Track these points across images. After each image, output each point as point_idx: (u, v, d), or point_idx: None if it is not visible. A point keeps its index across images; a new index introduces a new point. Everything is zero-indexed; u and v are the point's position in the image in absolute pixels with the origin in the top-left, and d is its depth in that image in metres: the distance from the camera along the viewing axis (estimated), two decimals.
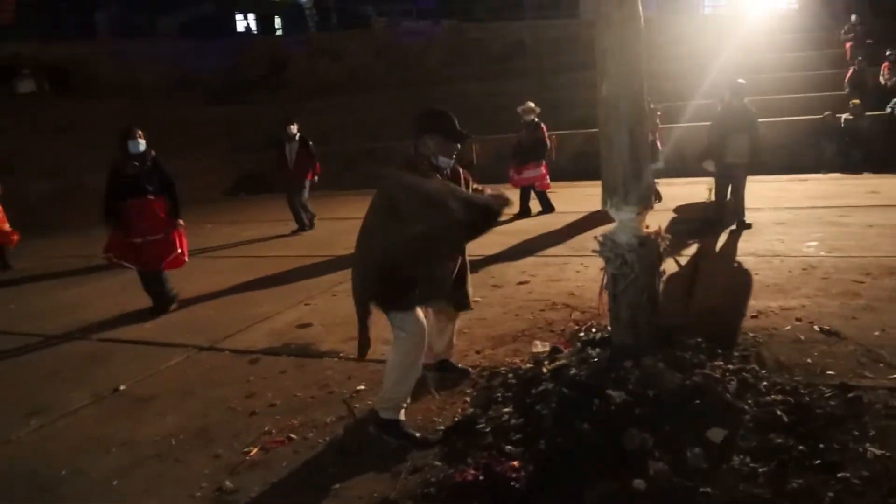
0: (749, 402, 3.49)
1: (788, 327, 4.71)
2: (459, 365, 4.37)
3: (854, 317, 4.77)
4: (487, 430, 3.52)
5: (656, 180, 9.65)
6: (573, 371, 3.77)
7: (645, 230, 3.75)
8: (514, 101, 10.80)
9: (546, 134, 10.28)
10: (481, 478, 3.05)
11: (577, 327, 4.97)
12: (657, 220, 4.43)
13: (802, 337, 4.51)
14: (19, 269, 9.53)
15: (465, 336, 4.93)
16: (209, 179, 16.84)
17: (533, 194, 10.30)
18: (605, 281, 3.84)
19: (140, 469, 3.56)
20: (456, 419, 3.73)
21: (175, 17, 22.88)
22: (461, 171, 3.81)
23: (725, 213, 8.20)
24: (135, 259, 6.25)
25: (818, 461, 3.00)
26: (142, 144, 6.27)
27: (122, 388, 4.71)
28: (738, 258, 6.70)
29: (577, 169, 12.62)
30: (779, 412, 3.40)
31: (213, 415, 4.13)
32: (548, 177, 10.39)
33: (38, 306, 7.29)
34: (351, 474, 3.29)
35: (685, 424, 3.26)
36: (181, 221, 6.48)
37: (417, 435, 3.54)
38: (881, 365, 3.95)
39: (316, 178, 10.58)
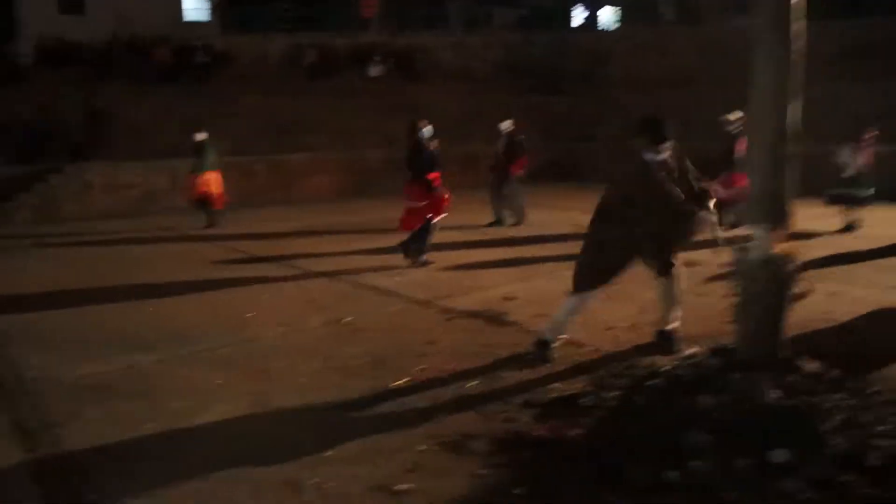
0: (846, 439, 3.40)
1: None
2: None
3: None
4: (588, 405, 3.95)
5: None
6: (681, 372, 3.98)
7: (777, 250, 3.77)
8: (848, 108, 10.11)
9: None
10: (546, 436, 3.54)
11: None
12: None
13: None
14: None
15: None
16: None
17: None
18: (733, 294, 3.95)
19: (324, 374, 4.67)
20: (570, 392, 4.19)
21: (515, 10, 24.74)
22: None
23: None
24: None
25: None
26: (428, 131, 7.80)
27: (348, 319, 5.93)
28: None
29: None
30: (870, 457, 3.28)
31: (394, 349, 5.12)
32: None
33: (325, 252, 9.06)
34: (460, 410, 3.99)
35: (757, 439, 3.35)
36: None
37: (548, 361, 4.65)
38: None
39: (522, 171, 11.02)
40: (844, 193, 9.69)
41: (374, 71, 19.32)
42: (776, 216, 3.74)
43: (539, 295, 6.49)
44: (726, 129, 9.85)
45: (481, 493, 3.15)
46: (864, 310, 5.92)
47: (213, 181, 11.53)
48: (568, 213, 11.44)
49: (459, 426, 3.81)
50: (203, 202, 11.60)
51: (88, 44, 17.62)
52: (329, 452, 3.57)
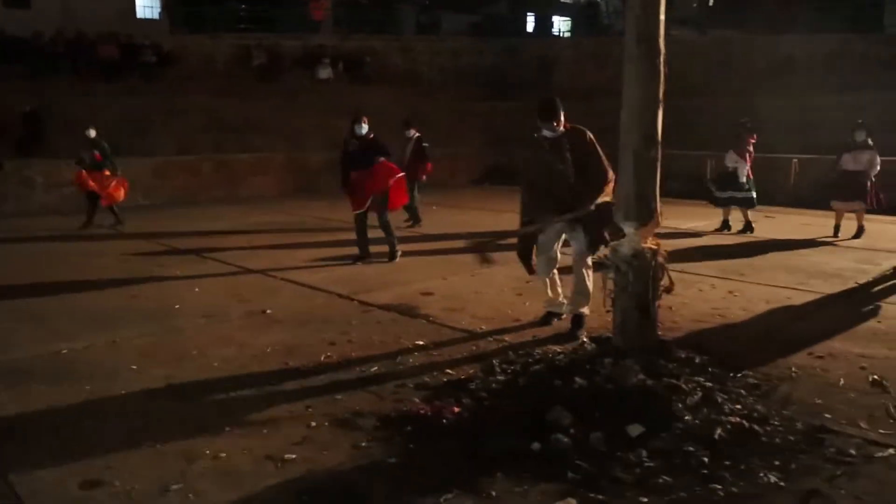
0: (699, 416, 3.78)
1: (843, 372, 4.65)
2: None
3: None
4: (473, 387, 4.28)
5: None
6: (562, 358, 4.34)
7: (645, 245, 4.16)
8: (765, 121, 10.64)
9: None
10: (427, 414, 3.86)
11: None
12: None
13: (843, 382, 4.47)
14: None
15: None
16: (461, 167, 18.65)
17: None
18: (606, 287, 4.33)
19: (238, 360, 4.94)
20: (461, 377, 4.51)
21: (467, 16, 25.19)
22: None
23: None
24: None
25: (710, 477, 3.28)
26: (365, 127, 7.98)
27: (268, 311, 6.18)
28: (885, 304, 6.38)
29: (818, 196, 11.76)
30: (719, 431, 3.66)
31: (307, 339, 5.39)
32: None
33: (260, 247, 9.28)
34: (356, 391, 4.30)
35: (618, 416, 3.71)
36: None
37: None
38: (889, 426, 3.85)
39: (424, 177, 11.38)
40: (732, 196, 10.34)
41: (323, 73, 19.55)
42: (643, 215, 4.13)
43: (454, 291, 6.84)
44: None
45: (358, 462, 3.45)
46: (759, 308, 6.36)
47: (101, 178, 11.22)
48: (499, 215, 11.84)
49: (352, 405, 4.11)
50: (94, 199, 11.32)
51: (31, 39, 17.44)
52: (227, 428, 3.83)
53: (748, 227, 10.38)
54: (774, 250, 9.08)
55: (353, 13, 23.42)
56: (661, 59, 4.05)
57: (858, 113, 13.75)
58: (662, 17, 4.05)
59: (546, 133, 5.31)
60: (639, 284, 4.15)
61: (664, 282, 4.28)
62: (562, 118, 5.27)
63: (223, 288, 7.15)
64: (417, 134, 11.23)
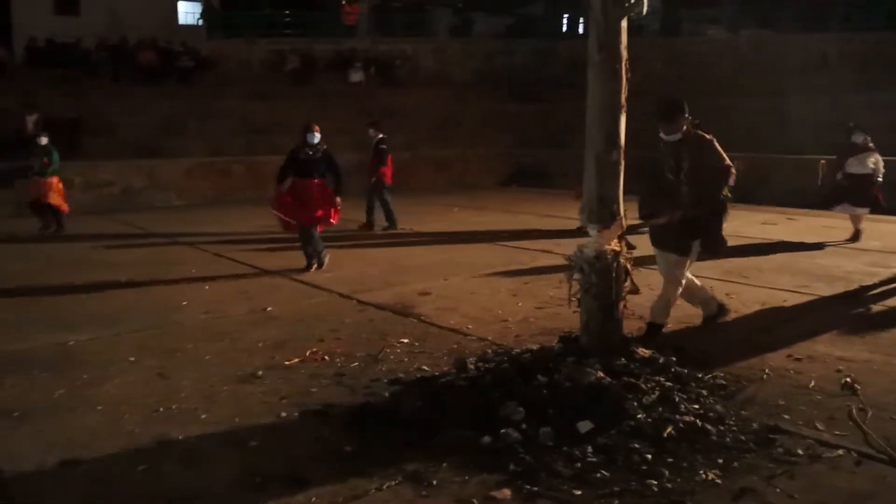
0: (652, 415, 3.87)
1: (816, 374, 4.68)
2: None
3: None
4: (442, 383, 4.43)
5: None
6: (528, 357, 4.47)
7: (608, 247, 4.26)
8: (798, 120, 10.50)
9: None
10: (393, 406, 4.05)
11: None
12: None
13: (813, 384, 4.50)
14: None
15: None
16: (489, 168, 18.77)
17: None
18: (571, 287, 4.44)
19: (228, 353, 5.21)
20: (436, 373, 4.68)
21: (500, 18, 25.29)
22: None
23: None
24: (294, 216, 7.95)
25: (648, 472, 3.38)
26: (317, 136, 7.95)
27: (269, 308, 6.44)
28: (879, 306, 6.33)
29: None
30: (669, 429, 3.75)
31: (298, 334, 5.63)
32: None
33: (283, 248, 9.57)
34: (332, 384, 4.51)
35: (570, 413, 3.83)
36: (339, 200, 8.11)
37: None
38: (846, 429, 3.88)
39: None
40: None
41: (355, 77, 19.90)
42: (605, 217, 4.23)
43: (452, 291, 7.01)
44: None
45: (317, 448, 3.66)
46: (752, 310, 6.38)
47: (52, 186, 11.22)
48: (516, 216, 11.96)
49: (324, 397, 4.32)
50: (42, 207, 11.29)
51: (76, 45, 18.19)
52: (203, 416, 4.09)
53: None
54: (785, 252, 9.00)
55: (386, 17, 23.76)
56: (623, 65, 4.16)
57: (888, 112, 13.54)
58: (624, 23, 4.15)
59: (663, 135, 5.11)
60: (601, 286, 4.26)
61: (627, 284, 4.37)
62: (681, 123, 5.04)
63: (232, 286, 7.44)
64: (381, 135, 11.20)
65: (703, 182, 5.06)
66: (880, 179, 9.51)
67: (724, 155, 5.16)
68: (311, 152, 8.00)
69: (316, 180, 8.02)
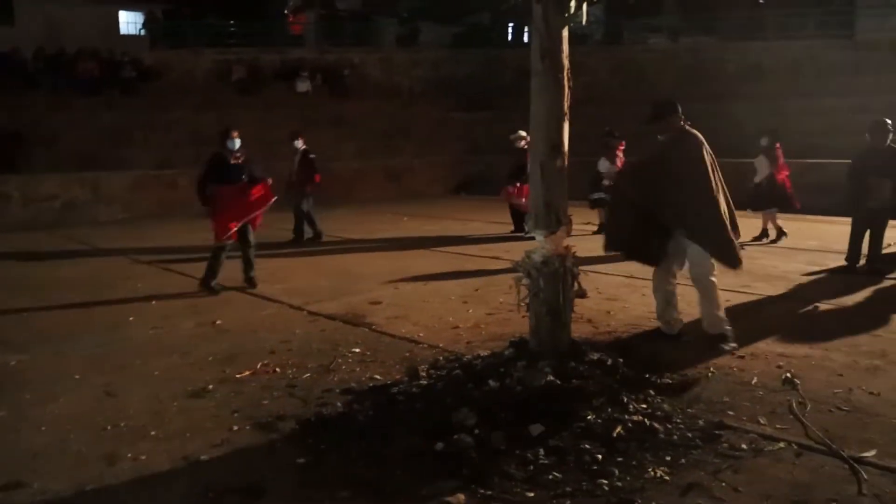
0: (602, 415, 3.96)
1: (758, 371, 4.83)
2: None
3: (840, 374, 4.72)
4: (394, 392, 4.45)
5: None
6: (479, 362, 4.52)
7: (554, 251, 4.35)
8: (736, 126, 10.91)
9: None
10: (343, 415, 4.05)
11: None
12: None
13: (756, 381, 4.65)
14: None
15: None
16: (438, 177, 18.86)
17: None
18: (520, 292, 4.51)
19: (177, 369, 5.13)
20: (388, 381, 4.68)
21: (450, 27, 25.47)
22: None
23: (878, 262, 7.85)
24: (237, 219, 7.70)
25: (599, 472, 3.45)
26: (237, 143, 7.69)
27: (218, 322, 6.36)
28: (822, 304, 6.58)
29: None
30: (618, 429, 3.84)
31: (249, 347, 5.57)
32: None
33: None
34: (284, 396, 4.47)
35: (522, 417, 3.89)
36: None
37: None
38: (787, 422, 4.02)
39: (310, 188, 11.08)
40: (601, 198, 10.73)
41: (302, 87, 19.79)
42: (551, 222, 4.32)
43: (403, 300, 7.03)
44: (515, 146, 11.23)
45: (269, 462, 3.64)
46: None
47: None
48: (466, 224, 12.05)
49: (276, 409, 4.30)
50: None
51: (11, 54, 17.65)
52: (153, 432, 4.02)
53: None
54: None
55: (333, 27, 23.71)
56: (566, 74, 4.25)
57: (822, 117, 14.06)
58: (565, 33, 4.25)
59: (659, 137, 5.27)
60: (549, 290, 4.34)
61: (575, 288, 4.46)
62: (669, 122, 5.14)
63: (181, 300, 7.32)
64: (305, 146, 11.10)
65: (688, 188, 5.10)
66: (756, 180, 10.06)
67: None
68: (237, 157, 7.73)
69: (244, 184, 7.74)
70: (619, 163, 10.75)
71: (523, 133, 11.12)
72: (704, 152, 5.13)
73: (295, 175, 10.91)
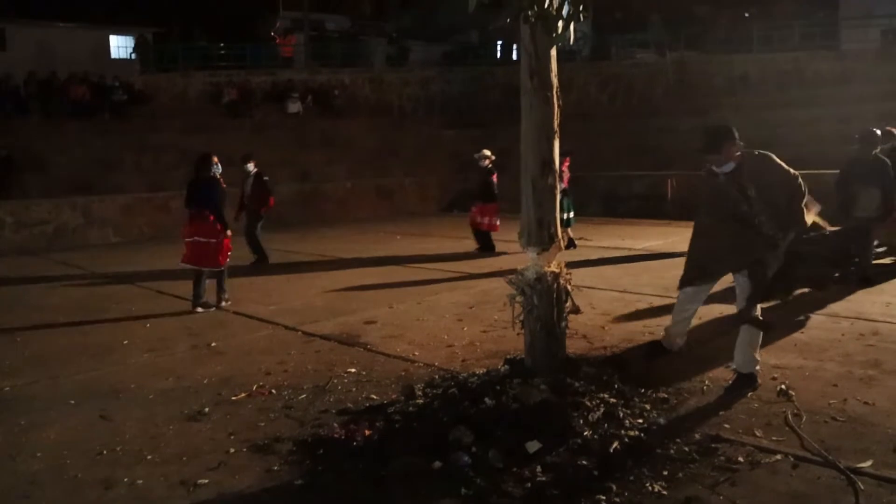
0: (598, 431, 3.96)
1: (758, 383, 4.84)
2: None
3: (834, 383, 4.74)
4: (390, 411, 4.45)
5: None
6: (475, 381, 4.53)
7: (548, 269, 4.37)
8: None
9: (495, 180, 11.21)
10: (339, 437, 4.04)
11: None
12: None
13: (751, 393, 4.67)
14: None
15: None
16: (430, 195, 18.92)
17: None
18: (514, 310, 4.53)
19: (173, 392, 5.11)
20: (384, 401, 4.68)
21: (439, 46, 25.69)
22: None
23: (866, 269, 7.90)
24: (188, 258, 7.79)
25: (596, 488, 3.45)
26: (218, 168, 7.83)
27: (213, 344, 6.35)
28: (814, 315, 6.61)
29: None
30: (615, 444, 3.85)
31: (245, 370, 5.56)
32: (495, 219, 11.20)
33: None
34: (280, 418, 4.46)
35: (518, 433, 3.89)
36: (229, 232, 7.85)
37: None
38: (783, 434, 4.03)
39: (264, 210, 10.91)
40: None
41: (292, 107, 19.88)
42: (544, 240, 4.35)
43: (397, 319, 7.04)
44: (480, 165, 11.35)
45: (266, 484, 3.63)
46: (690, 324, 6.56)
47: None
48: (458, 241, 12.09)
49: (273, 431, 4.29)
50: None
51: (3, 80, 17.69)
52: (150, 456, 4.01)
53: (570, 243, 11.07)
54: None
55: (322, 48, 23.86)
56: (555, 91, 4.30)
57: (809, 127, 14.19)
58: (554, 52, 4.31)
59: (715, 168, 4.60)
60: (543, 307, 4.36)
61: (569, 304, 4.48)
62: (726, 148, 4.49)
63: (174, 323, 7.31)
64: (256, 169, 10.86)
65: (785, 204, 4.58)
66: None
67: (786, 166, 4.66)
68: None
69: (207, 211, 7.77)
70: (565, 179, 10.48)
71: (487, 152, 11.38)
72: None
73: (248, 198, 10.76)
